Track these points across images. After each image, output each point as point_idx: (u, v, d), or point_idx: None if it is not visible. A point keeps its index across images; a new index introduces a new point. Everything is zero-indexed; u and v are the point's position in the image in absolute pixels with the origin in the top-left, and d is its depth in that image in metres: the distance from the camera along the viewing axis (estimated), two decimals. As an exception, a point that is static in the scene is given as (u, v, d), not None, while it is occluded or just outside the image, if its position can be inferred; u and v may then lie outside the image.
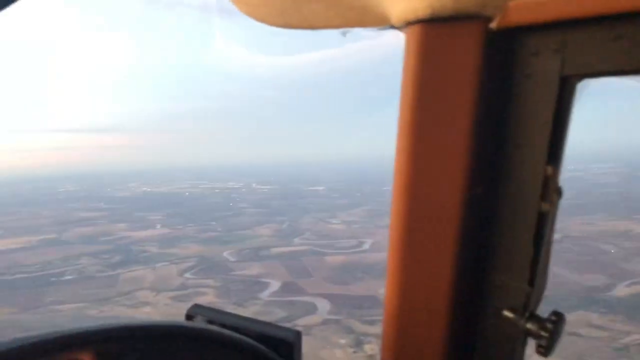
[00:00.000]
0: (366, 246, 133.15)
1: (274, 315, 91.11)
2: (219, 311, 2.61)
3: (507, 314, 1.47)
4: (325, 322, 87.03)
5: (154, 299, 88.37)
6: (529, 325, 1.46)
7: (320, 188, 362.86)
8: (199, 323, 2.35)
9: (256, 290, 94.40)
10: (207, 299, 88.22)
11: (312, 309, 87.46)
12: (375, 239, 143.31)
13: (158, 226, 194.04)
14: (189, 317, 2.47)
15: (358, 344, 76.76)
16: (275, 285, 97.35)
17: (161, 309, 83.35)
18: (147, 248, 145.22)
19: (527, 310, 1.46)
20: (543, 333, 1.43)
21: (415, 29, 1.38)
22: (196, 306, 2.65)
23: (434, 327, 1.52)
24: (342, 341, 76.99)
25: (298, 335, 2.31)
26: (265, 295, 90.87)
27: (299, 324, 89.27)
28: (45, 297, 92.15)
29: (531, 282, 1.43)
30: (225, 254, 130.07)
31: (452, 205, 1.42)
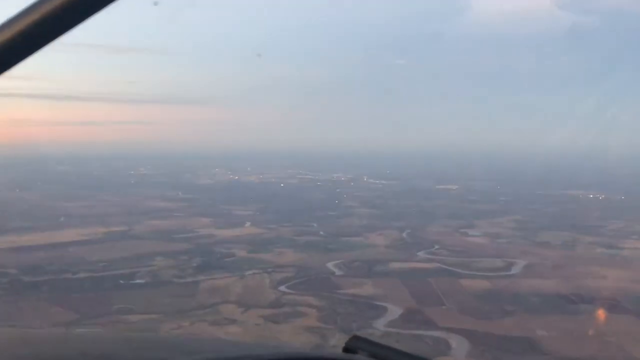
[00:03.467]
0: (517, 269, 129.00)
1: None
2: (383, 346, 2.68)
3: None
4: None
5: (241, 316, 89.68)
6: None
7: (453, 187, 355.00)
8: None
9: (370, 316, 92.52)
10: (308, 322, 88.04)
11: (444, 348, 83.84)
12: (530, 260, 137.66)
13: (247, 224, 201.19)
14: (347, 350, 2.60)
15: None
16: (394, 311, 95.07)
17: (251, 329, 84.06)
18: (234, 251, 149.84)
19: None
20: None
21: None
22: (356, 338, 2.78)
23: None
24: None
25: None
26: (381, 324, 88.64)
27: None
28: (112, 302, 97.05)
29: None
30: (329, 265, 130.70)
31: None
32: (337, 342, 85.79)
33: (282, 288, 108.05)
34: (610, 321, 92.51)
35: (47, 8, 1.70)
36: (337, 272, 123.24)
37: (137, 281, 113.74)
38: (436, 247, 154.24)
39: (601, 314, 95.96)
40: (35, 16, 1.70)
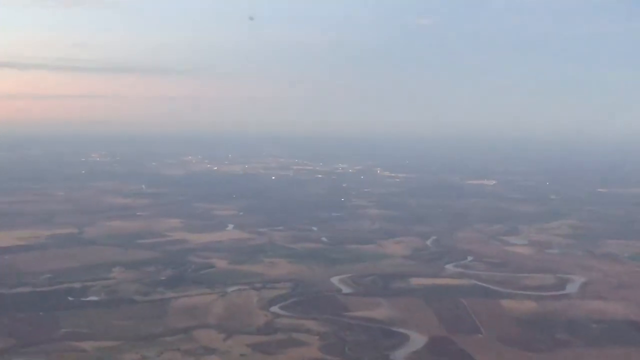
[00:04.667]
0: (573, 287, 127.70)
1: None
2: None
3: None
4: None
5: (223, 345, 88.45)
6: None
7: (490, 182, 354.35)
8: None
9: (386, 346, 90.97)
10: (307, 353, 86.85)
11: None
12: (589, 277, 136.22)
13: (229, 227, 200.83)
14: None
15: None
16: (417, 340, 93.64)
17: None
18: (213, 261, 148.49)
19: None
20: None
21: None
22: None
23: None
24: None
25: None
26: (401, 356, 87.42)
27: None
28: (59, 325, 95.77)
29: None
30: (334, 280, 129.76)
31: None
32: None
33: (275, 309, 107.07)
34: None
35: None
36: (344, 289, 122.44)
37: (90, 298, 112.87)
38: (469, 258, 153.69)
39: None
40: None
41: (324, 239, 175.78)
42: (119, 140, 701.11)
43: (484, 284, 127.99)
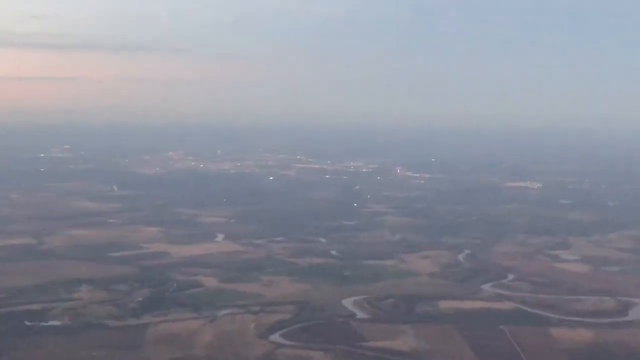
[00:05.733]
0: (637, 313, 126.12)
1: None
2: None
3: None
4: None
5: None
6: None
7: (534, 185, 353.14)
8: None
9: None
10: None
11: None
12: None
13: (219, 237, 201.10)
14: None
15: None
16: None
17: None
18: (200, 278, 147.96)
19: None
20: None
21: None
22: None
23: None
24: None
25: None
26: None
27: None
28: (12, 357, 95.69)
29: None
30: (346, 302, 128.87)
31: None
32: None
33: (276, 337, 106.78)
34: None
35: None
36: (359, 313, 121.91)
37: (52, 323, 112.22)
38: (510, 277, 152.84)
39: None
40: None
41: (333, 252, 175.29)
42: (84, 131, 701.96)
43: (529, 309, 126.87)
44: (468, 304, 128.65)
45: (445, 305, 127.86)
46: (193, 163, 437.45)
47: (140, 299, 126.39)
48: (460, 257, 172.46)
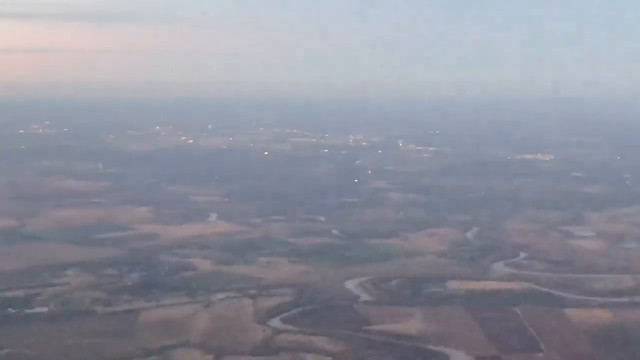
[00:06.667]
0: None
1: None
2: None
3: None
4: None
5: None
6: None
7: (547, 157, 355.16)
8: None
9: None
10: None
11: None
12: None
13: (212, 216, 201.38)
14: None
15: None
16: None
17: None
18: (193, 261, 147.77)
19: None
20: None
21: None
22: None
23: None
24: None
25: None
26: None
27: None
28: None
29: None
30: (349, 284, 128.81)
31: None
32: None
33: (275, 322, 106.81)
34: None
35: None
36: (363, 296, 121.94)
37: (37, 310, 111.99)
38: (522, 255, 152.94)
39: None
40: None
41: (334, 231, 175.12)
42: (65, 106, 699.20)
43: (543, 288, 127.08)
44: (478, 285, 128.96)
45: (454, 285, 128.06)
46: (182, 138, 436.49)
47: (130, 283, 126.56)
48: (469, 234, 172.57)
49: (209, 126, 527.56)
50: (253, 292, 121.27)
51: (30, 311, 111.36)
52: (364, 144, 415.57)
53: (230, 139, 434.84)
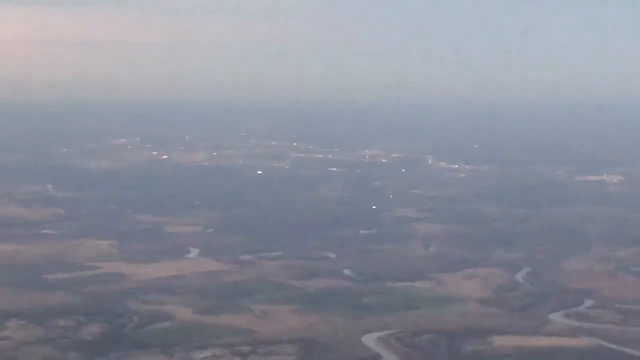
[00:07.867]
0: None
1: None
2: None
3: None
4: None
5: None
6: None
7: (614, 179, 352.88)
8: None
9: None
10: None
11: None
12: None
13: (192, 252, 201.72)
14: None
15: None
16: None
17: None
18: (168, 308, 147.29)
19: None
20: None
21: None
22: None
23: None
24: None
25: None
26: None
27: None
28: None
29: None
30: (367, 340, 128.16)
31: None
32: None
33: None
34: None
35: None
36: (386, 355, 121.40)
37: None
38: (588, 303, 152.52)
39: None
40: None
41: (347, 272, 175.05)
42: (11, 109, 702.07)
43: (617, 347, 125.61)
44: (531, 341, 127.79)
45: (501, 342, 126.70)
46: (154, 153, 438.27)
47: (90, 338, 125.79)
48: (519, 276, 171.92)
49: (187, 137, 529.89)
50: (245, 349, 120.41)
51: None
52: (384, 160, 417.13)
53: (214, 153, 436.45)
